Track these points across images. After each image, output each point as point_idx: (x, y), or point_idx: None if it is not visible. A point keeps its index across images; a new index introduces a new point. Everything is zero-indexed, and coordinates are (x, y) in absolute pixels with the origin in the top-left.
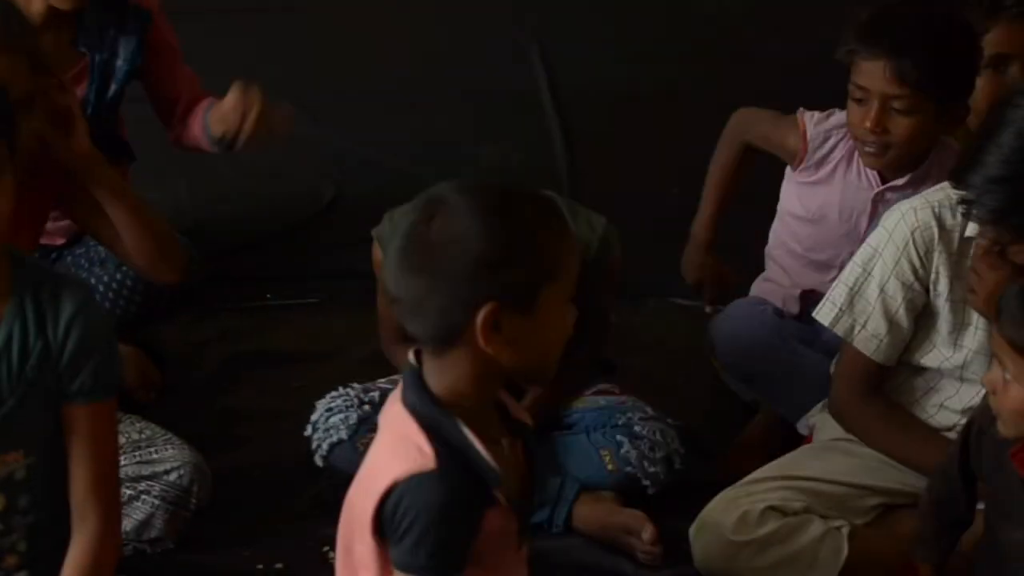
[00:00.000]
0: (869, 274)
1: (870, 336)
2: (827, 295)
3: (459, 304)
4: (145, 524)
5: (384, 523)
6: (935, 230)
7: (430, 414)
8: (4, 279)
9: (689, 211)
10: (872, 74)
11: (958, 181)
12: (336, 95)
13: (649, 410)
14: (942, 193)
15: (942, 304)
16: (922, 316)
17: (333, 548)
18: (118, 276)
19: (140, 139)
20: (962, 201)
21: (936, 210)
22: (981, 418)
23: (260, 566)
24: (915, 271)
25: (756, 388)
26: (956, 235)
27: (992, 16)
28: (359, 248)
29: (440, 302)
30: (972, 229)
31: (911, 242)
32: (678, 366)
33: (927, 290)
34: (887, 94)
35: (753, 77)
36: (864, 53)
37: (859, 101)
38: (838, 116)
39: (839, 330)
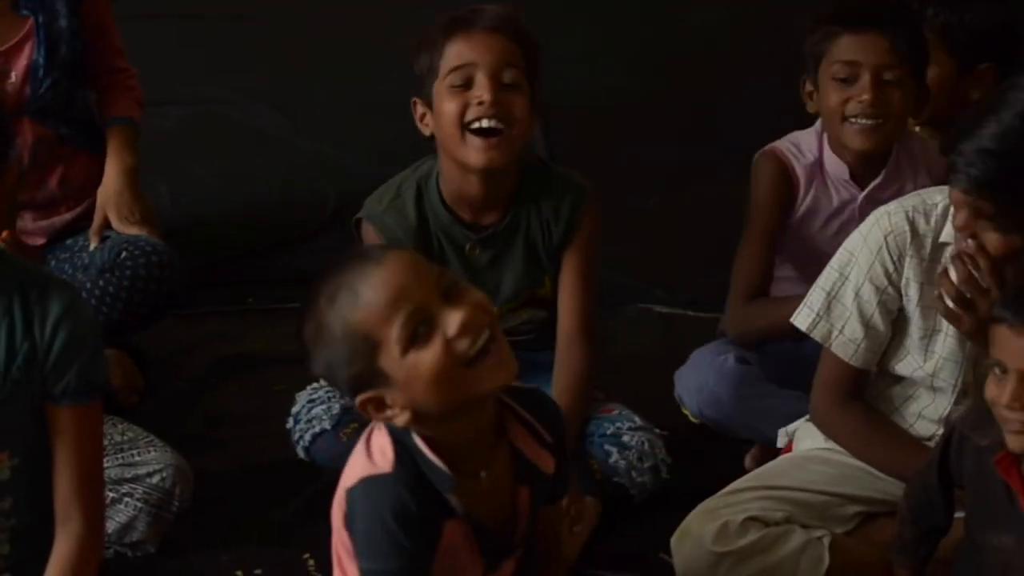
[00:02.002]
0: (846, 279)
1: (847, 341)
2: (805, 300)
3: None
4: (127, 527)
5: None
6: (908, 235)
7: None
8: None
9: (667, 218)
10: (863, 47)
11: (949, 149)
12: (325, 100)
13: (637, 419)
14: (917, 199)
15: (913, 309)
16: (897, 321)
17: (313, 554)
18: (100, 283)
19: None
20: (949, 168)
21: (910, 215)
22: (962, 425)
23: (239, 572)
24: (888, 275)
25: (731, 431)
26: (929, 240)
27: None
28: (337, 253)
29: None
30: (946, 234)
31: (884, 246)
32: (657, 373)
33: (900, 295)
34: (881, 64)
35: (736, 86)
36: (854, 28)
37: (844, 80)
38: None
39: (816, 335)
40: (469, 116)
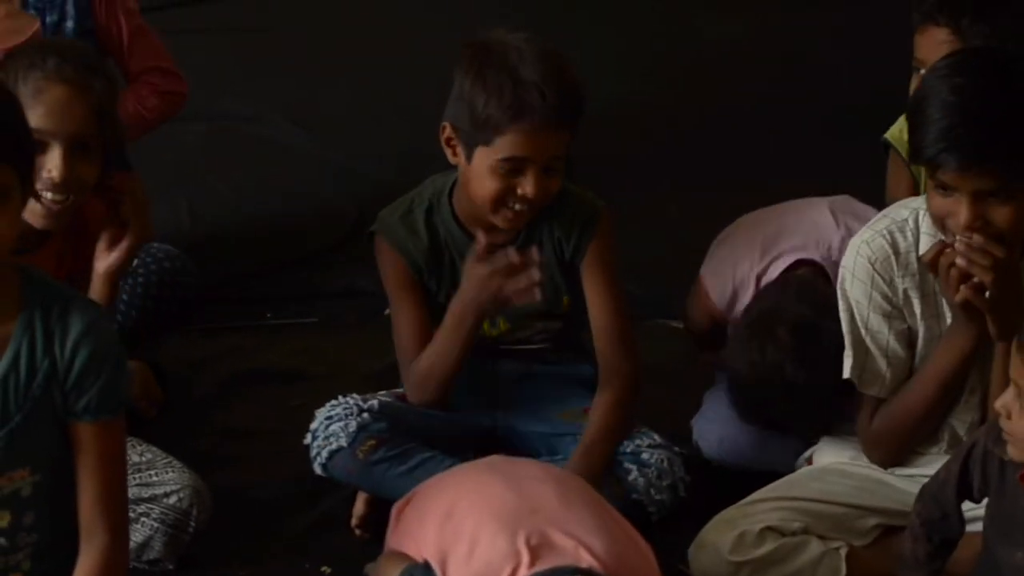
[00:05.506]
0: (852, 317)
1: (873, 377)
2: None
3: None
4: (144, 546)
5: None
6: (891, 256)
7: None
8: (14, 297)
9: (686, 231)
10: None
11: (915, 156)
12: (344, 114)
13: (656, 437)
14: (887, 219)
15: (918, 324)
16: (909, 339)
17: (332, 568)
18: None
19: (143, 156)
20: (930, 162)
21: (887, 235)
22: (985, 438)
23: None
24: (888, 299)
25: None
26: (913, 255)
27: None
28: (356, 268)
29: None
30: (924, 245)
31: (874, 273)
32: (674, 388)
33: (904, 314)
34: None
35: (752, 99)
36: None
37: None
38: None
39: (853, 377)
40: (510, 201)
